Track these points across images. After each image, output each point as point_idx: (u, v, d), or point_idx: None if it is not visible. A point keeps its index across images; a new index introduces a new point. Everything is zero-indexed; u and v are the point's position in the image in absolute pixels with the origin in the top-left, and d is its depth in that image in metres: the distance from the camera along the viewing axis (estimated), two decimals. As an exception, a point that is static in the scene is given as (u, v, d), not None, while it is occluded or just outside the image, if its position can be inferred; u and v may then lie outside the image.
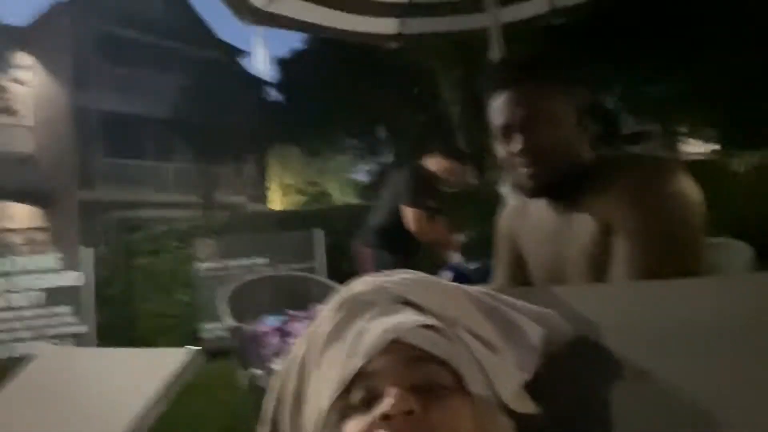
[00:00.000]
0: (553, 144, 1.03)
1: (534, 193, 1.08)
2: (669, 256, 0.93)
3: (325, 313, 0.63)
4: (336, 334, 0.60)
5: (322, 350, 0.60)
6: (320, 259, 5.56)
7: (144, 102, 16.11)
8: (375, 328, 0.57)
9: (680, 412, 0.60)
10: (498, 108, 1.07)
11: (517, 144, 1.04)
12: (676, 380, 0.61)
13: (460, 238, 3.43)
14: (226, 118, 14.30)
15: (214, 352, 4.94)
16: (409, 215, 3.15)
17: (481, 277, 2.65)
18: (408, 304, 0.62)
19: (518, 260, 1.21)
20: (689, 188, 0.98)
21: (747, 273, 1.40)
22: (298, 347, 0.64)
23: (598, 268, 0.97)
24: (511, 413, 0.57)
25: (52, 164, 15.70)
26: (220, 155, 16.67)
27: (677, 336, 0.63)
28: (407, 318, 0.58)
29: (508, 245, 1.24)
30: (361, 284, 0.64)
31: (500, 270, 1.27)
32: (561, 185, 1.05)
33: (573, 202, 1.06)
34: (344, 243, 5.85)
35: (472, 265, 2.70)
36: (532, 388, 0.59)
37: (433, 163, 3.30)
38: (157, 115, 16.00)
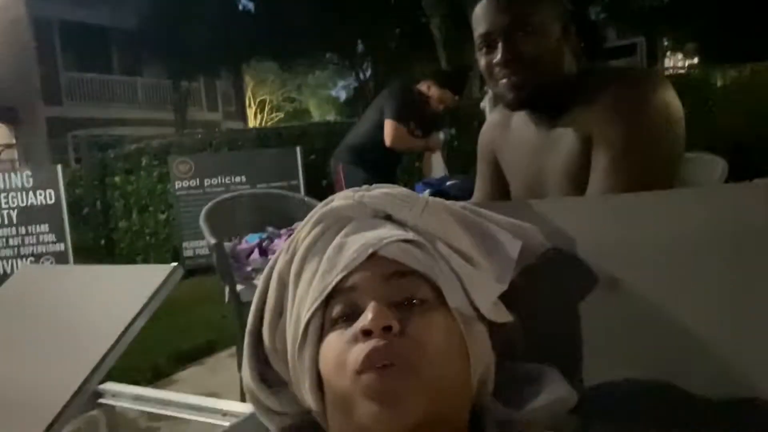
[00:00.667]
0: (536, 54, 1.00)
1: (515, 105, 1.06)
2: (647, 169, 0.93)
3: (304, 227, 0.62)
4: (315, 248, 0.60)
5: (301, 264, 0.60)
6: (302, 176, 5.53)
7: (107, 12, 15.20)
8: (354, 243, 0.57)
9: (653, 322, 0.62)
10: (480, 15, 1.04)
11: (498, 53, 1.01)
12: (649, 291, 0.63)
13: (440, 137, 3.43)
14: (196, 29, 13.60)
15: (195, 270, 5.02)
16: (389, 128, 3.11)
17: (459, 192, 2.67)
18: (388, 218, 0.61)
19: (498, 174, 1.21)
20: (671, 101, 0.97)
21: (722, 184, 1.42)
22: (276, 261, 0.64)
23: (578, 182, 0.98)
24: (487, 322, 0.59)
25: (15, 79, 14.97)
26: (192, 70, 16.03)
27: (652, 248, 0.64)
28: (387, 232, 0.57)
29: (488, 159, 1.24)
30: (340, 199, 0.63)
31: (480, 184, 1.27)
32: (543, 97, 1.03)
33: (555, 116, 1.04)
34: (323, 161, 5.82)
35: (449, 181, 2.71)
36: (507, 296, 0.60)
37: (425, 88, 3.23)
38: (123, 25, 15.16)
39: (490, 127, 1.25)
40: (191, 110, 17.21)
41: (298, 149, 5.54)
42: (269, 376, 0.62)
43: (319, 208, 0.63)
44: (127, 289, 1.51)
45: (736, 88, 6.47)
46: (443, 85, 3.25)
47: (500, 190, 1.22)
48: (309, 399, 0.56)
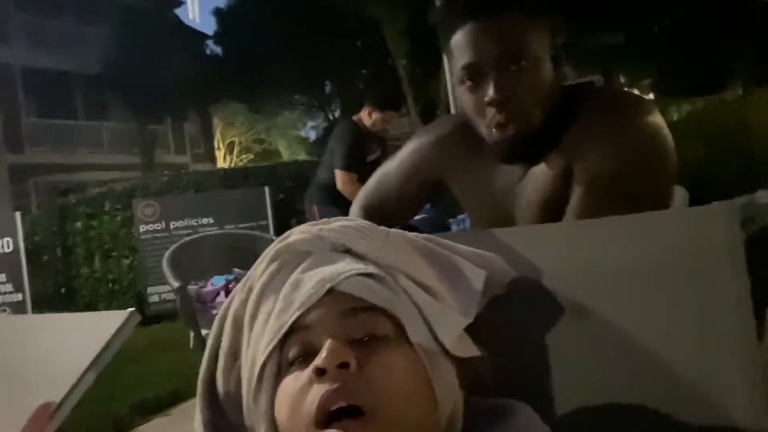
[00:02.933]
0: (533, 93, 0.86)
1: (507, 157, 0.90)
2: (634, 199, 0.80)
3: (259, 264, 0.59)
4: (271, 286, 0.57)
5: (257, 304, 0.57)
6: (271, 216, 5.47)
7: (71, 57, 15.12)
8: (311, 278, 0.54)
9: (619, 350, 0.60)
10: (464, 42, 0.87)
11: (490, 89, 0.85)
12: (616, 317, 0.62)
13: None
14: (162, 72, 13.60)
15: (161, 316, 4.86)
16: (338, 178, 3.14)
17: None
18: (346, 252, 0.59)
19: (429, 196, 1.11)
20: (661, 126, 0.86)
21: (685, 207, 1.43)
22: (231, 302, 0.60)
23: (555, 219, 0.87)
24: (453, 358, 0.56)
25: (-25, 126, 14.67)
26: (159, 113, 15.96)
27: (617, 273, 0.63)
28: (345, 266, 0.55)
29: (425, 178, 1.06)
30: (297, 233, 0.60)
31: (399, 204, 1.11)
32: (531, 137, 0.88)
33: (533, 155, 0.91)
34: (292, 200, 5.79)
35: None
36: (473, 329, 0.58)
37: (366, 117, 3.25)
38: (87, 71, 15.06)
39: (437, 144, 1.05)
40: (158, 153, 17.04)
41: (266, 189, 5.51)
42: (223, 426, 0.57)
43: (276, 244, 0.60)
44: (80, 337, 1.42)
45: (691, 121, 6.74)
46: (382, 107, 3.27)
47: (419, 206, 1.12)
48: None
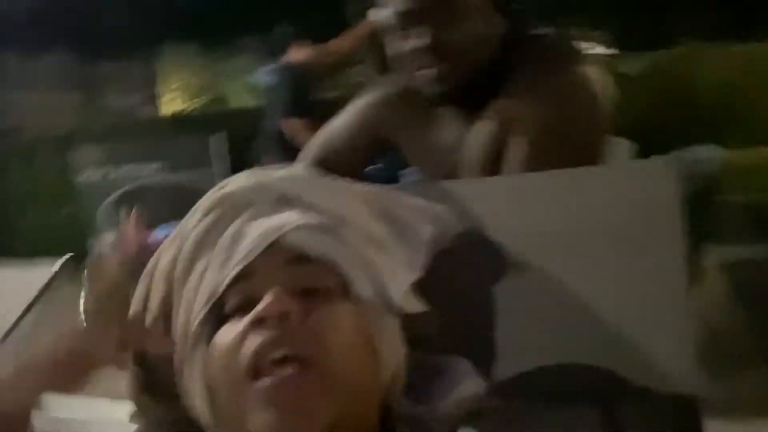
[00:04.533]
0: (466, 40, 0.86)
1: (440, 100, 0.92)
2: (567, 151, 0.83)
3: (192, 217, 0.56)
4: (207, 239, 0.54)
5: (191, 260, 0.54)
6: (220, 165, 5.31)
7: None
8: (253, 230, 0.52)
9: (563, 307, 0.61)
10: None
11: (421, 38, 0.87)
12: (558, 275, 0.62)
13: None
14: (106, 8, 12.73)
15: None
16: (289, 129, 3.02)
17: (382, 178, 2.64)
18: (290, 202, 0.56)
19: (371, 151, 1.11)
20: (595, 80, 0.88)
21: (627, 161, 1.47)
22: (163, 253, 0.57)
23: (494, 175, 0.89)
24: (397, 313, 0.55)
25: None
26: (102, 51, 15.02)
27: (561, 231, 0.64)
28: (289, 217, 0.53)
29: (367, 136, 1.07)
30: (237, 181, 0.57)
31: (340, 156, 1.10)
32: (469, 90, 0.89)
33: (474, 108, 0.92)
34: (243, 149, 5.62)
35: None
36: (418, 284, 0.57)
37: (298, 55, 3.09)
38: (26, 3, 13.94)
39: (382, 104, 1.06)
40: (100, 96, 16.17)
41: (215, 137, 5.32)
42: (156, 388, 0.55)
43: (211, 194, 0.57)
44: (14, 288, 1.37)
45: (641, 75, 6.85)
46: (305, 42, 3.11)
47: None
48: (201, 413, 0.50)
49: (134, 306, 0.57)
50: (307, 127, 3.03)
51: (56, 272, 1.27)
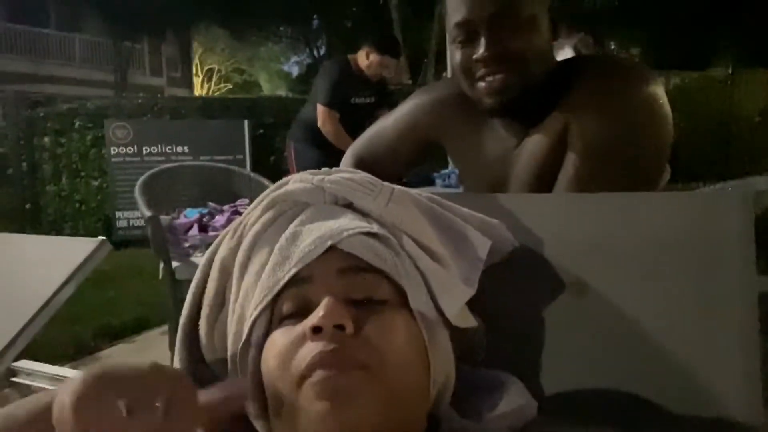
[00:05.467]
0: (524, 51, 0.85)
1: (497, 111, 0.90)
2: (627, 168, 0.82)
3: (253, 211, 0.56)
4: (265, 236, 0.53)
5: (249, 253, 0.53)
6: (250, 150, 5.34)
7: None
8: (311, 233, 0.51)
9: (616, 330, 0.59)
10: (458, 1, 0.87)
11: (480, 47, 0.85)
12: (615, 298, 0.60)
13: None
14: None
15: (128, 242, 4.78)
16: (319, 113, 3.05)
17: (415, 180, 2.63)
18: (348, 206, 0.55)
19: (418, 156, 1.11)
20: (658, 95, 0.84)
21: (693, 192, 1.43)
22: (219, 246, 0.56)
23: (549, 186, 0.87)
24: (449, 326, 0.54)
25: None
26: (136, 30, 15.20)
27: (621, 252, 0.62)
28: (348, 223, 0.51)
29: (417, 139, 1.07)
30: (296, 182, 0.56)
31: (391, 156, 1.10)
32: (524, 102, 0.88)
33: (529, 120, 0.91)
34: (272, 136, 5.64)
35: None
36: (470, 298, 0.56)
37: (362, 58, 3.13)
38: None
39: (436, 105, 1.05)
40: (132, 73, 16.37)
41: (246, 122, 5.35)
42: (204, 375, 0.55)
43: (271, 191, 0.56)
44: (49, 262, 1.39)
45: (676, 95, 6.74)
46: (383, 51, 3.12)
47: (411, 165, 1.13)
48: (250, 406, 0.50)
49: (192, 290, 0.57)
50: (336, 120, 3.04)
51: (89, 254, 1.29)
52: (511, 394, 0.53)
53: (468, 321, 0.55)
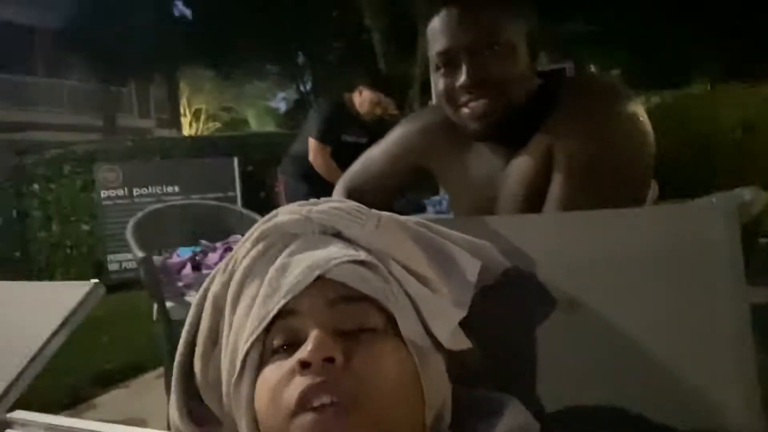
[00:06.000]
0: (505, 77, 0.86)
1: (481, 136, 0.92)
2: (612, 185, 0.84)
3: (243, 245, 0.56)
4: (255, 269, 0.54)
5: (240, 287, 0.53)
6: (240, 188, 5.36)
7: (33, 10, 14.37)
8: (299, 263, 0.51)
9: (610, 345, 0.60)
10: (438, 29, 0.89)
11: (462, 75, 0.87)
12: (607, 313, 0.60)
13: None
14: (128, 32, 13.04)
15: (121, 285, 4.74)
16: (311, 147, 3.10)
17: (409, 211, 2.64)
18: (337, 235, 0.56)
19: (407, 180, 1.13)
20: (639, 114, 0.86)
21: (680, 204, 1.45)
22: (212, 282, 0.57)
23: (536, 208, 0.88)
24: (443, 350, 0.54)
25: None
26: (123, 74, 15.36)
27: (611, 268, 0.62)
28: (336, 252, 0.52)
29: (406, 164, 1.09)
30: (284, 214, 0.57)
31: (380, 181, 1.13)
32: (507, 126, 0.89)
33: (515, 143, 0.92)
34: (262, 172, 5.66)
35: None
36: (463, 320, 0.56)
37: (357, 96, 3.19)
38: (50, 25, 14.37)
39: (423, 132, 1.07)
40: (121, 117, 16.48)
41: (235, 159, 5.38)
42: (200, 412, 0.54)
43: (261, 224, 0.56)
44: (41, 308, 1.36)
45: (658, 114, 6.86)
46: (374, 86, 3.17)
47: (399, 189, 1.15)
48: None
49: (186, 327, 0.57)
50: (327, 154, 3.08)
51: (82, 298, 1.28)
52: (511, 414, 0.53)
53: (462, 343, 0.55)
